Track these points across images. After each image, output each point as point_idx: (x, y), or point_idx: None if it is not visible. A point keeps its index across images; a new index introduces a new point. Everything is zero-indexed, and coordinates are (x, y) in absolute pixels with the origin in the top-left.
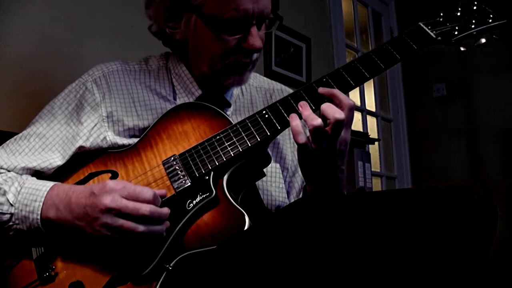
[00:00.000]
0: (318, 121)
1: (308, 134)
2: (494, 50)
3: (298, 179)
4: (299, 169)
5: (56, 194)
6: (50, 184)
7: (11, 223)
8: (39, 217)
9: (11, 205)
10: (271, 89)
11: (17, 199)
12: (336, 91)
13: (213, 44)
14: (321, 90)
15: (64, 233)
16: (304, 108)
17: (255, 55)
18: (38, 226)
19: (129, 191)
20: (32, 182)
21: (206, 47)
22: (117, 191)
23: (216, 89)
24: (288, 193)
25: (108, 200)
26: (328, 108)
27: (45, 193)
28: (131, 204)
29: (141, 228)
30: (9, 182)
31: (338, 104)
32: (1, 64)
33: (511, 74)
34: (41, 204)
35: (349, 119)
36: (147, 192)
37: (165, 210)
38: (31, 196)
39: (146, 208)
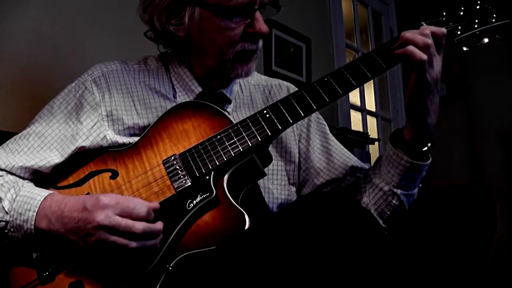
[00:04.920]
0: (430, 40)
1: None
2: (495, 50)
3: (315, 163)
4: (311, 154)
5: (49, 205)
6: (44, 193)
7: (6, 231)
8: (33, 227)
9: (6, 212)
10: (269, 85)
11: (12, 206)
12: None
13: (219, 34)
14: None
15: (58, 243)
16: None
17: (260, 42)
18: (32, 235)
19: (122, 208)
20: (28, 189)
21: (213, 38)
22: (111, 208)
23: (218, 85)
24: (304, 180)
25: (101, 217)
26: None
27: (39, 202)
28: (124, 222)
29: (133, 244)
30: (5, 188)
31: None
32: (1, 64)
33: (511, 74)
34: (35, 214)
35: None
36: (141, 209)
37: (158, 226)
38: (25, 205)
39: (139, 227)
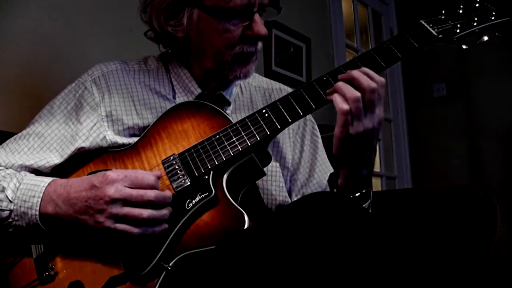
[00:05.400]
0: (358, 93)
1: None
2: (494, 50)
3: (300, 176)
4: (301, 166)
5: (54, 190)
6: (48, 179)
7: (10, 220)
8: (37, 213)
9: (10, 201)
10: (270, 88)
11: (16, 195)
12: (369, 70)
13: (218, 36)
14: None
15: (63, 229)
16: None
17: (259, 44)
18: (37, 222)
19: (131, 179)
20: (31, 178)
21: (211, 40)
22: (120, 181)
23: (218, 87)
24: (290, 190)
25: (112, 191)
26: (362, 78)
27: (43, 188)
28: (135, 192)
29: (146, 213)
30: (7, 178)
31: (371, 79)
32: (1, 64)
33: (511, 74)
34: (40, 200)
35: (382, 95)
36: (149, 178)
37: (168, 193)
38: (29, 192)
39: (151, 194)
